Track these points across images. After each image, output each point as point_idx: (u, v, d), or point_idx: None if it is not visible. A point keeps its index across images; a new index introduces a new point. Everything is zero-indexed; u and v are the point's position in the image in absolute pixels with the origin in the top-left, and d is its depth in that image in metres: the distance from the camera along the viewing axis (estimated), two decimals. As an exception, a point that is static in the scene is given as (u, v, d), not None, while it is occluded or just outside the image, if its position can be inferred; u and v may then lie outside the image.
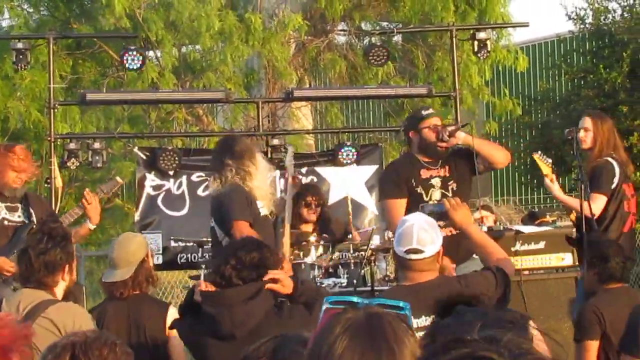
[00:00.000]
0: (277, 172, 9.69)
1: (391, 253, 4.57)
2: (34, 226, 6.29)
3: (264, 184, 6.32)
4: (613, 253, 5.59)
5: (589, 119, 7.21)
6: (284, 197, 6.96)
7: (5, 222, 6.28)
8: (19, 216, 6.33)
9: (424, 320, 4.22)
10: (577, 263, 6.95)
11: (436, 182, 6.55)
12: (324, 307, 2.18)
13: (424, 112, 6.64)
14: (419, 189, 6.51)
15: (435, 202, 6.38)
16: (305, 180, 9.60)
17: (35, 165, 6.51)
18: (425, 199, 6.47)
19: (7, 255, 6.24)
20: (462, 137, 6.53)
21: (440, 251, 4.38)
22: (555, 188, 7.00)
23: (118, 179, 6.75)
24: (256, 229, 5.99)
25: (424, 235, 4.32)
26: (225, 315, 4.24)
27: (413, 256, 4.32)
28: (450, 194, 6.43)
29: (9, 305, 4.43)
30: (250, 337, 3.73)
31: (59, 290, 4.45)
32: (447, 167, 6.55)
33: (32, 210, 6.35)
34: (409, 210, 6.44)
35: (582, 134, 7.12)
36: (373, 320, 1.86)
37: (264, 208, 6.25)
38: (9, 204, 6.30)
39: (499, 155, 6.61)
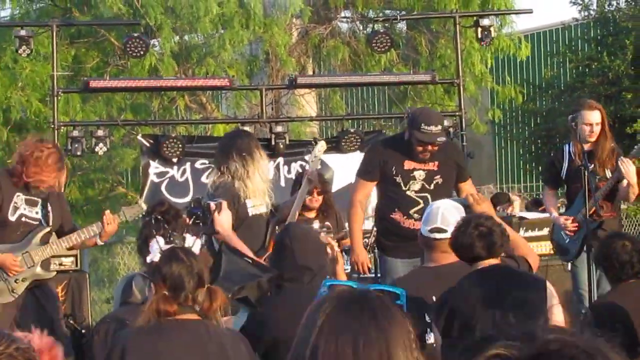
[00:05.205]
0: (281, 159, 9.66)
1: (418, 236, 4.73)
2: (48, 230, 6.20)
3: (262, 181, 6.27)
4: None
5: (599, 114, 6.92)
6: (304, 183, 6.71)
7: (23, 219, 6.11)
8: (37, 212, 6.15)
9: None
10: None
11: (419, 174, 6.42)
12: (321, 290, 2.18)
13: (425, 127, 6.20)
14: (398, 179, 6.42)
15: (421, 197, 6.32)
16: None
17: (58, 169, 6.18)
18: (403, 189, 6.41)
19: (15, 254, 6.10)
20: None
21: None
22: None
23: (142, 204, 6.54)
24: (242, 229, 6.00)
25: (448, 216, 4.48)
26: None
27: (437, 235, 4.46)
28: (432, 188, 6.39)
29: None
30: None
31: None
32: (436, 162, 6.41)
33: (49, 209, 6.19)
34: (384, 196, 6.54)
35: (595, 128, 6.86)
36: (361, 295, 1.88)
37: (259, 207, 6.22)
38: (29, 197, 6.12)
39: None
